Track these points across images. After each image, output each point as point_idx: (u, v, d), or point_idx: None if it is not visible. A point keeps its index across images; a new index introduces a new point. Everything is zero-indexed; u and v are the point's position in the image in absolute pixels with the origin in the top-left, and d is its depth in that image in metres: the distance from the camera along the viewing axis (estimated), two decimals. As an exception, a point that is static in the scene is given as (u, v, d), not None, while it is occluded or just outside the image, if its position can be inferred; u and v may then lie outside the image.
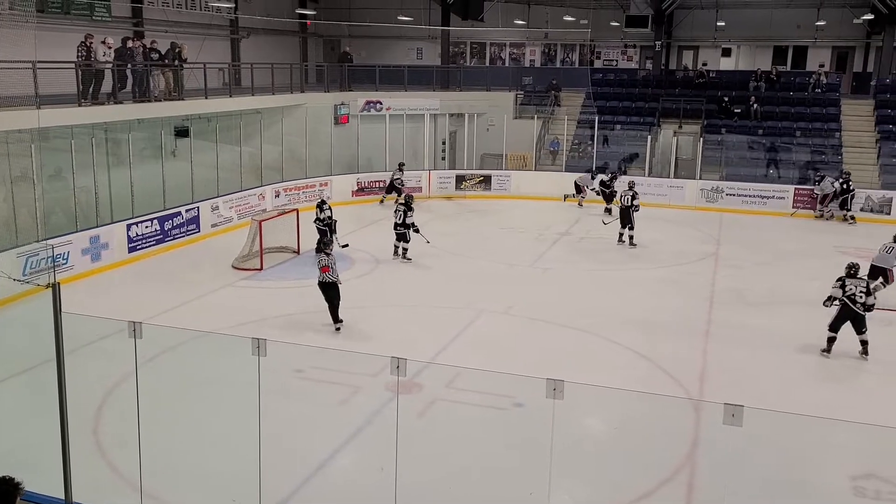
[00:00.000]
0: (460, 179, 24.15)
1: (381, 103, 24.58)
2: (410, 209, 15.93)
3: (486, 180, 24.27)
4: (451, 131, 26.51)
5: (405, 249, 16.00)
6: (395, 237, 16.11)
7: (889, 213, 21.39)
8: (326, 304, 11.88)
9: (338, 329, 11.74)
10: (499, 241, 18.21)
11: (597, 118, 25.41)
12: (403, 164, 22.55)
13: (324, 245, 12.84)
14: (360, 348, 10.59)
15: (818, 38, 29.52)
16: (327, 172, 22.40)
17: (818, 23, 28.98)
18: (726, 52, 31.42)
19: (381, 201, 22.44)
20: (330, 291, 11.87)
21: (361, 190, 23.00)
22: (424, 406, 9.15)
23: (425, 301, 13.46)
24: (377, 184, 23.18)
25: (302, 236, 16.61)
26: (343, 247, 15.83)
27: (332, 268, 11.81)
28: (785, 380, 10.22)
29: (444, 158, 26.26)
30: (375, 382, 9.38)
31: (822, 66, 27.73)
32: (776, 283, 14.90)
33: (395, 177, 22.28)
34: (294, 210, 17.19)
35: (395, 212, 16.12)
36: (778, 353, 11.17)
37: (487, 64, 33.57)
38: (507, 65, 33.11)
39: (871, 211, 21.54)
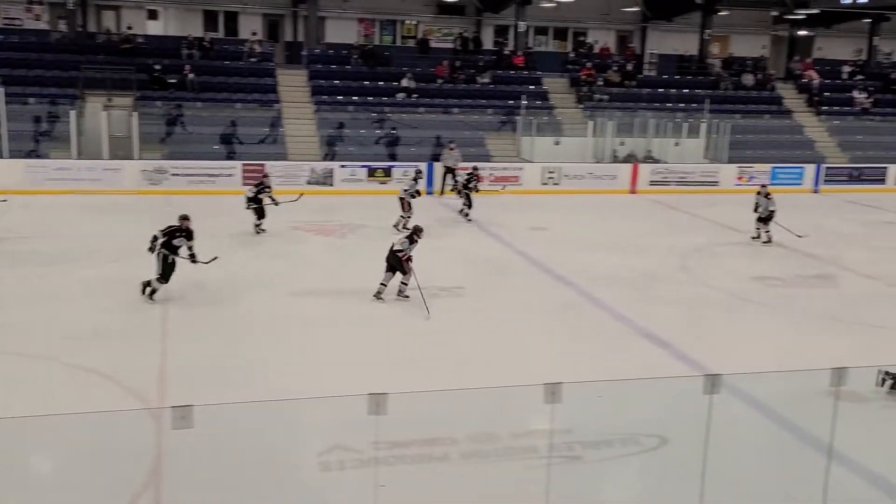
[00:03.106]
0: None
1: None
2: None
3: None
4: None
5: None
6: None
7: (332, 185, 24.34)
8: None
9: None
10: None
11: (3, 91, 23.32)
12: None
13: None
14: None
15: (248, 5, 31.67)
16: None
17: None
18: (153, 15, 31.68)
19: None
20: None
21: None
22: None
23: None
24: None
25: None
26: None
27: None
28: (262, 367, 10.89)
29: None
30: None
31: (254, 34, 29.93)
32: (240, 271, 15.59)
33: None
34: None
35: None
36: (249, 341, 11.93)
37: None
38: None
39: (317, 183, 24.21)
